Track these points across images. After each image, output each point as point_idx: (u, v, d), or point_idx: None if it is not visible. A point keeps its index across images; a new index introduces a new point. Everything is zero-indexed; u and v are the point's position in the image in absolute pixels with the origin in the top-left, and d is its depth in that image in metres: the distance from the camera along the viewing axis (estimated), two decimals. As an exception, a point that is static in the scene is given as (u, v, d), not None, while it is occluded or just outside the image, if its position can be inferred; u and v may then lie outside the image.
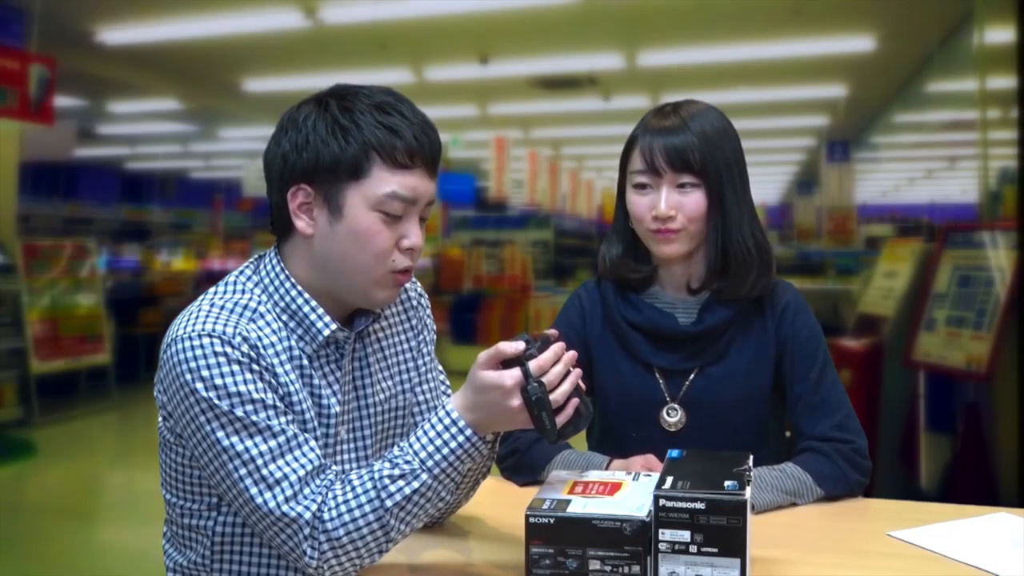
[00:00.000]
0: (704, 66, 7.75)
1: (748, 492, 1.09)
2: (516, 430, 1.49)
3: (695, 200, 1.53)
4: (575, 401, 1.18)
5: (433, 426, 1.18)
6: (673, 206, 1.52)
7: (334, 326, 1.27)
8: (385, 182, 1.21)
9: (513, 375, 1.16)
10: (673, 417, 1.57)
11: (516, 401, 1.15)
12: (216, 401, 1.17)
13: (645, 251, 1.62)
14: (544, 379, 1.15)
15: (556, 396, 1.16)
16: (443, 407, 1.19)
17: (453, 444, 1.16)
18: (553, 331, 1.21)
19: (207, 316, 1.21)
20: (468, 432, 1.17)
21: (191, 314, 1.23)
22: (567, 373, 1.18)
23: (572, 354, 1.20)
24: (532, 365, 1.16)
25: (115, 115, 10.68)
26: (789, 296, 1.60)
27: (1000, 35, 4.61)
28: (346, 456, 1.32)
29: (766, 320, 1.58)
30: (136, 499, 4.77)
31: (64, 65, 6.35)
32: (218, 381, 1.17)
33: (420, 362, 1.43)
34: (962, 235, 4.05)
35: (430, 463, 1.16)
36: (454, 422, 1.17)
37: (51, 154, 8.94)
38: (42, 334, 6.78)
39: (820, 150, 9.95)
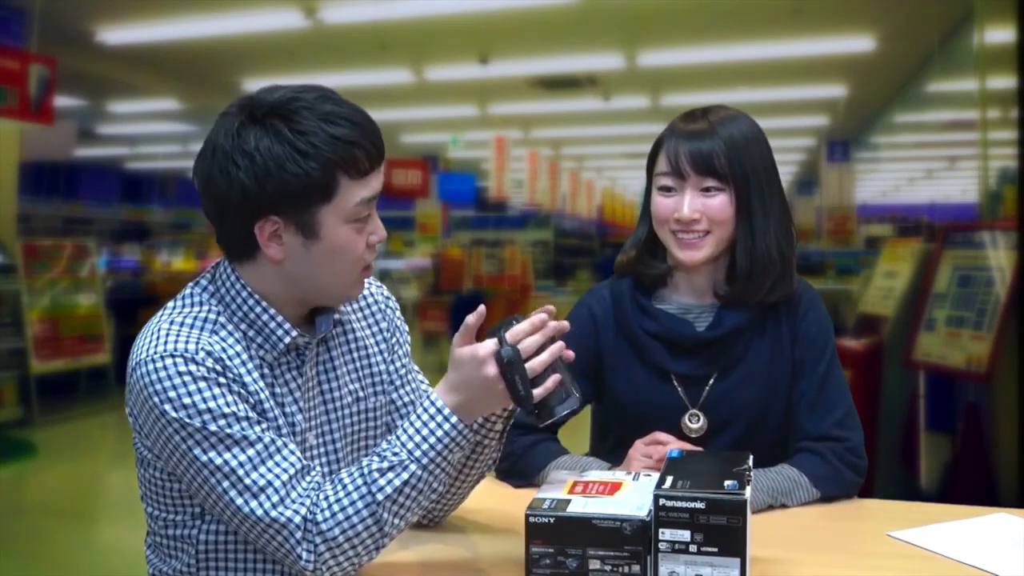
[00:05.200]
0: (704, 66, 7.75)
1: (748, 492, 1.09)
2: (513, 432, 1.49)
3: (720, 203, 1.51)
4: (556, 376, 1.17)
5: (419, 416, 1.18)
6: (697, 209, 1.51)
7: (295, 333, 1.26)
8: (354, 193, 1.21)
9: (486, 345, 1.16)
10: (695, 423, 1.55)
11: (491, 369, 1.15)
12: (187, 420, 1.16)
13: (663, 248, 1.60)
14: (519, 347, 1.15)
15: (533, 365, 1.16)
16: (428, 396, 1.19)
17: (439, 433, 1.17)
18: (549, 307, 1.20)
19: (167, 335, 1.20)
20: (453, 420, 1.17)
21: (151, 334, 1.21)
22: (546, 345, 1.17)
23: (554, 324, 1.19)
24: (507, 335, 1.16)
25: (115, 115, 10.69)
26: (802, 292, 1.59)
27: (1000, 35, 4.61)
28: (317, 461, 1.31)
29: (781, 320, 1.57)
30: (136, 499, 4.74)
31: (64, 65, 6.34)
32: (186, 400, 1.16)
33: (395, 365, 1.42)
34: (962, 235, 4.05)
35: (418, 453, 1.16)
36: (439, 411, 1.18)
37: (51, 154, 8.96)
38: (42, 334, 6.77)
39: (820, 150, 9.96)
